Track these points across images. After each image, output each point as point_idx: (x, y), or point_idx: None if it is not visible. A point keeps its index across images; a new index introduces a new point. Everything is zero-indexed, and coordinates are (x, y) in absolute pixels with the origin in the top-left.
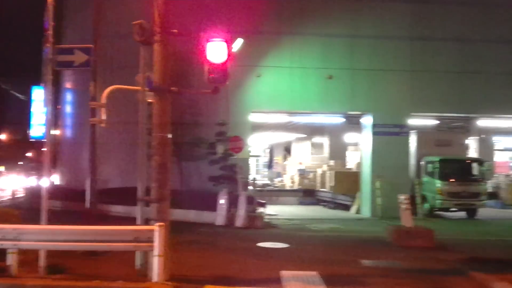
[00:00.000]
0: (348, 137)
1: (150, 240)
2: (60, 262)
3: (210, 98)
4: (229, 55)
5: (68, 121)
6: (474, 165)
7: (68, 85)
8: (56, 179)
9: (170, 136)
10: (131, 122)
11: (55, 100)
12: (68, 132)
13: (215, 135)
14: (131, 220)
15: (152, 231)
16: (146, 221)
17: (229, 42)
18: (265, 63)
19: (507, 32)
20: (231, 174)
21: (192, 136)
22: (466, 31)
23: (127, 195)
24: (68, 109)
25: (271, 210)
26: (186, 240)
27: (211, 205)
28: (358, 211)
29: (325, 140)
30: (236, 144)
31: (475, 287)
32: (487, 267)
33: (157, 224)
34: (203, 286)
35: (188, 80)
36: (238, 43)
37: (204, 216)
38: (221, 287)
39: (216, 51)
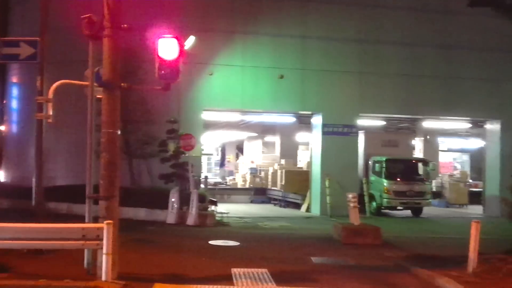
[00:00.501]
0: (299, 136)
1: (98, 238)
2: (4, 261)
3: (161, 96)
4: (180, 52)
5: (14, 116)
6: (420, 165)
7: (14, 79)
8: (0, 176)
9: (119, 133)
10: (80, 119)
11: (1, 95)
12: (14, 128)
13: (166, 132)
14: (79, 218)
15: (100, 229)
16: (95, 219)
17: (181, 39)
18: (217, 61)
19: (447, 38)
20: (183, 172)
21: (143, 133)
22: (411, 36)
23: (75, 193)
24: (14, 104)
25: (222, 208)
26: (136, 238)
27: (162, 203)
28: (308, 210)
29: (276, 139)
30: (188, 142)
31: (418, 283)
32: (430, 263)
33: (106, 222)
34: (153, 284)
35: (139, 76)
36: (190, 41)
37: (155, 214)
38: (171, 285)
39: (167, 47)
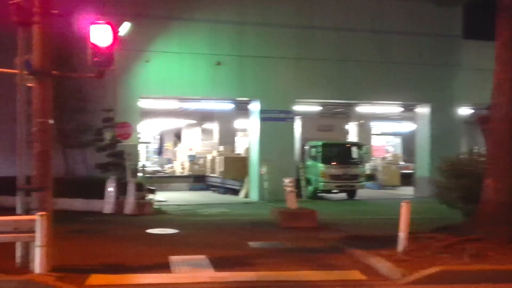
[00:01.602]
0: (238, 123)
1: (31, 231)
2: None
3: (96, 83)
4: (114, 38)
5: None
6: (354, 149)
7: None
8: None
9: (51, 122)
10: (12, 108)
11: None
12: None
13: (102, 121)
14: (11, 211)
15: (33, 221)
16: (28, 211)
17: (115, 25)
18: (153, 48)
19: (379, 23)
20: (120, 161)
21: (77, 122)
22: (345, 21)
23: (6, 185)
24: None
25: (161, 197)
26: (72, 229)
27: (99, 193)
28: (247, 195)
29: (215, 126)
30: (124, 130)
31: (352, 263)
32: (364, 243)
33: (39, 213)
34: (89, 275)
35: (72, 64)
36: (125, 27)
37: (92, 205)
38: (108, 275)
39: (101, 34)
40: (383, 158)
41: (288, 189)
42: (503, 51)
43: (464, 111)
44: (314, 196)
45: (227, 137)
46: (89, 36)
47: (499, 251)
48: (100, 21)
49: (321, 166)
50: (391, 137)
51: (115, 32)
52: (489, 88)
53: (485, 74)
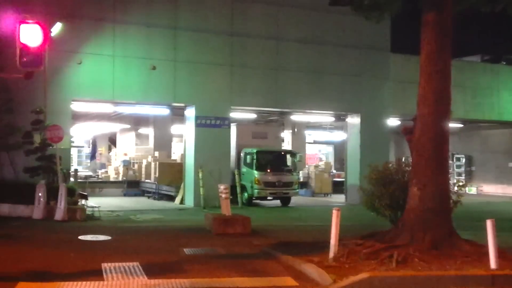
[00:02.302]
0: (174, 128)
1: None
2: None
3: (25, 84)
4: (44, 38)
5: None
6: (288, 157)
7: None
8: None
9: None
10: None
11: None
12: None
13: (32, 123)
14: None
15: None
16: None
17: (45, 25)
18: (86, 49)
19: (312, 33)
20: (50, 165)
21: (5, 123)
22: (278, 30)
23: None
24: None
25: (93, 202)
26: None
27: (28, 198)
28: (182, 202)
29: (150, 131)
30: (55, 133)
31: (283, 269)
32: (296, 250)
33: None
34: (16, 283)
35: (0, 63)
36: (57, 27)
37: (20, 210)
38: (36, 283)
39: (30, 34)
40: (316, 166)
41: (223, 195)
42: (426, 64)
43: (392, 121)
44: (249, 203)
45: (163, 143)
46: (18, 36)
47: (424, 257)
48: (29, 21)
49: (255, 173)
50: (324, 145)
51: (46, 32)
52: (415, 100)
53: (411, 86)
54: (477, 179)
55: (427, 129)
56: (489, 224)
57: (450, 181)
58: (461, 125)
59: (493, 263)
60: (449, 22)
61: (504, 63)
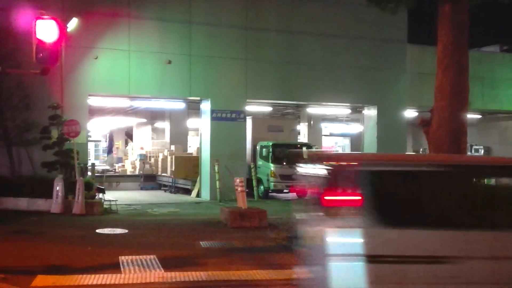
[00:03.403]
0: (189, 122)
1: None
2: None
3: (42, 80)
4: (60, 34)
5: None
6: (304, 149)
7: None
8: None
9: None
10: None
11: None
12: None
13: (49, 118)
14: None
15: None
16: None
17: (61, 21)
18: (102, 45)
19: (326, 26)
20: (67, 160)
21: (22, 119)
22: (292, 24)
23: None
24: None
25: (110, 196)
26: (17, 229)
27: (46, 193)
28: (198, 195)
29: (166, 125)
30: (72, 128)
31: (299, 261)
32: None
33: None
34: (35, 276)
35: (17, 59)
36: (73, 23)
37: (38, 204)
38: (55, 276)
39: (46, 29)
40: None
41: (239, 189)
42: (443, 55)
43: (409, 113)
44: (265, 196)
45: (179, 136)
46: (34, 32)
47: None
48: (45, 16)
49: (271, 166)
50: (340, 138)
51: (61, 28)
52: (432, 91)
53: (428, 77)
54: None
55: (444, 121)
56: None
57: None
58: (480, 117)
59: None
60: (465, 13)
61: None
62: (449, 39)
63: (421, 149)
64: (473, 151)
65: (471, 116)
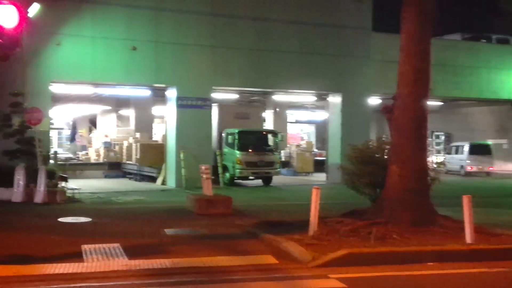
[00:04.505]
0: (155, 109)
1: None
2: None
3: (3, 66)
4: (21, 20)
5: None
6: (270, 136)
7: None
8: None
9: None
10: None
11: None
12: None
13: (10, 106)
14: None
15: None
16: None
17: (22, 6)
18: (65, 31)
19: (293, 13)
20: (29, 148)
21: None
22: (260, 10)
23: None
24: None
25: (74, 184)
26: None
27: (7, 181)
28: (164, 183)
29: (131, 113)
30: (34, 116)
31: (265, 248)
32: (277, 229)
33: None
34: None
35: None
36: (35, 8)
37: None
38: (16, 265)
39: (6, 15)
40: (298, 146)
41: (204, 176)
42: (407, 43)
43: (374, 100)
44: (231, 183)
45: (144, 124)
46: None
47: (402, 234)
48: (4, 1)
49: (237, 153)
50: (306, 125)
51: (22, 13)
52: (396, 79)
53: (392, 65)
54: None
55: (407, 108)
56: (465, 200)
57: (428, 159)
58: (442, 103)
59: (468, 238)
60: (429, 1)
61: (484, 41)
62: (413, 26)
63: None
64: (434, 137)
65: (433, 103)
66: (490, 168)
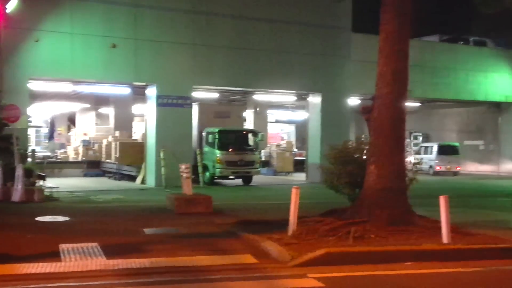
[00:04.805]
0: (135, 108)
1: None
2: None
3: None
4: (0, 15)
5: None
6: (250, 136)
7: None
8: None
9: None
10: None
11: None
12: None
13: None
14: None
15: None
16: None
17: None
18: (44, 27)
19: (274, 12)
20: (6, 145)
21: None
22: (241, 9)
23: None
24: None
25: (52, 183)
26: None
27: None
28: (143, 182)
29: (110, 111)
30: (11, 113)
31: (244, 247)
32: (257, 228)
33: None
34: None
35: None
36: (13, 4)
37: None
38: None
39: None
40: (278, 145)
41: (184, 175)
42: (385, 43)
43: (353, 100)
44: (211, 182)
45: (124, 122)
46: None
47: (380, 233)
48: None
49: (217, 152)
50: (286, 125)
51: (0, 8)
52: (375, 79)
53: (371, 65)
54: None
55: (385, 108)
56: (442, 200)
57: (406, 159)
58: (420, 104)
59: (445, 238)
60: (408, 2)
61: (462, 43)
62: (391, 27)
63: (362, 136)
64: (412, 137)
65: (411, 104)
66: (458, 168)
